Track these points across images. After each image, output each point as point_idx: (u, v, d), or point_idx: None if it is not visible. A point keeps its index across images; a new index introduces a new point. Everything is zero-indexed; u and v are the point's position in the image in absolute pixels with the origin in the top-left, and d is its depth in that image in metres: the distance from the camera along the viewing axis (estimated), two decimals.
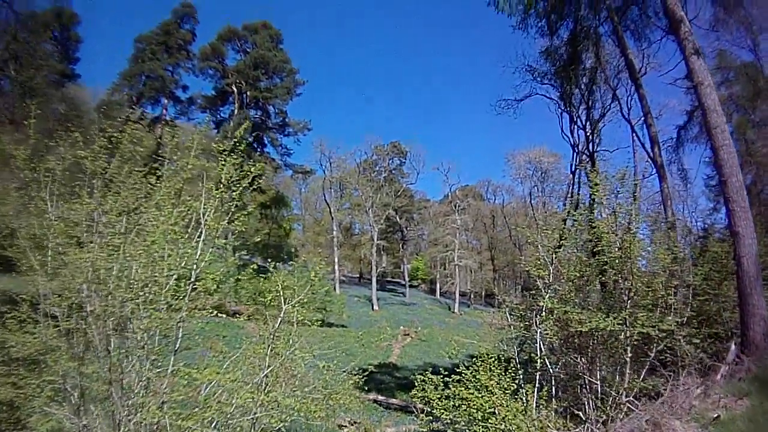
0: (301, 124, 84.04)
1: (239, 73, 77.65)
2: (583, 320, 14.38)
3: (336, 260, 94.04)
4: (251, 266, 15.69)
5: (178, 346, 11.09)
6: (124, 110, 59.31)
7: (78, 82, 68.70)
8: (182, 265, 11.22)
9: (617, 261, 15.49)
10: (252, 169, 12.89)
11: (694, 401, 13.83)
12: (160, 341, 11.07)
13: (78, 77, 70.45)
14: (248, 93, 78.70)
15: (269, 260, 14.94)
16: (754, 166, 36.67)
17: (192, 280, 11.25)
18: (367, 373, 15.76)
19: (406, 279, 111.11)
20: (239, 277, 51.41)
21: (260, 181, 12.49)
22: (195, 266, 11.37)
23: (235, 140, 13.15)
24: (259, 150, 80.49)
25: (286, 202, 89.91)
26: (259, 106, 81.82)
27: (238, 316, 17.89)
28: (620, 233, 16.10)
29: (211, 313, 12.05)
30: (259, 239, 70.69)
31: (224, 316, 11.79)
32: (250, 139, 77.57)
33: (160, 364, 10.95)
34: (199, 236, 11.69)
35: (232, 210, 12.55)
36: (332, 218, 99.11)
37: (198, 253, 11.46)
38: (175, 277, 11.08)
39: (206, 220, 11.73)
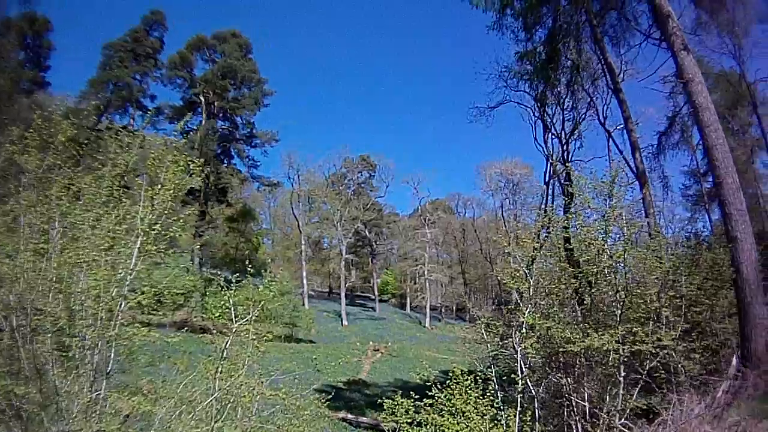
0: (269, 135, 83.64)
1: (207, 83, 76.88)
2: (575, 339, 13.47)
3: (304, 275, 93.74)
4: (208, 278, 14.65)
5: (111, 366, 10.12)
6: (91, 119, 58.49)
7: (48, 90, 67.81)
8: (119, 275, 10.22)
9: (607, 271, 14.56)
10: (191, 166, 11.88)
11: (706, 426, 12.80)
12: (114, 359, 10.26)
13: (48, 85, 70.03)
14: (216, 103, 77.91)
15: (237, 274, 13.88)
16: None
17: (124, 292, 10.23)
18: (332, 392, 14.86)
19: (376, 293, 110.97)
20: (205, 291, 50.91)
21: (198, 177, 11.48)
22: (128, 277, 10.35)
23: (175, 131, 12.28)
24: (226, 162, 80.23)
25: (254, 215, 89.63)
26: (227, 116, 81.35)
27: (209, 331, 16.95)
28: (611, 241, 15.17)
29: (147, 329, 10.95)
30: (224, 253, 69.93)
31: (156, 334, 10.67)
32: (217, 151, 77.58)
33: (106, 384, 9.97)
34: (135, 244, 10.63)
35: (165, 213, 11.20)
36: (301, 232, 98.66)
37: (133, 262, 10.44)
38: (114, 288, 10.04)
39: (142, 226, 10.70)
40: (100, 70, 71.56)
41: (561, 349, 14.08)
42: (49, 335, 9.82)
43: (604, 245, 14.75)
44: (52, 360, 9.77)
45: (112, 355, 10.08)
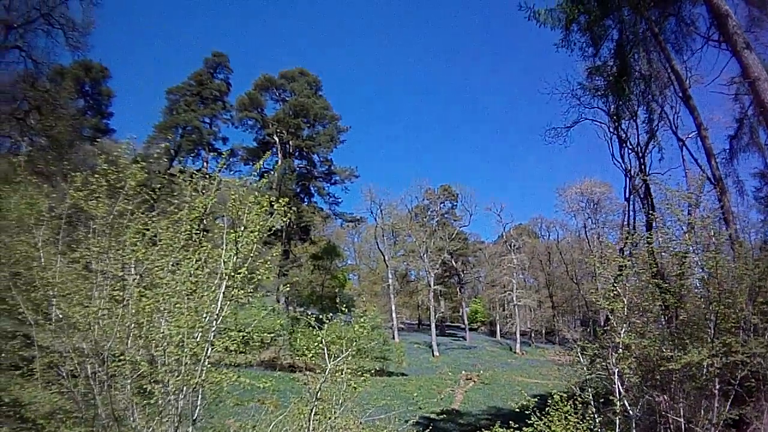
0: (348, 171, 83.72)
1: (280, 123, 77.57)
2: (676, 356, 13.28)
3: (393, 308, 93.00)
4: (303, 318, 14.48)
5: (197, 413, 9.84)
6: (162, 163, 59.18)
7: (113, 137, 68.96)
8: (204, 321, 9.99)
9: (698, 283, 14.89)
10: (276, 205, 11.44)
11: None
12: (200, 404, 10.00)
13: (113, 132, 71.59)
14: (291, 142, 78.61)
15: (324, 312, 13.83)
16: None
17: (210, 338, 9.97)
18: (429, 425, 14.68)
19: (466, 322, 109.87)
20: (293, 330, 51.05)
21: (284, 218, 11.06)
22: (214, 322, 10.11)
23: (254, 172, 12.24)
24: (306, 200, 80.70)
25: (339, 252, 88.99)
26: (303, 155, 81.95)
27: (298, 370, 16.97)
28: (701, 253, 15.08)
29: (236, 373, 10.58)
30: (310, 291, 69.67)
31: (246, 379, 10.56)
32: (296, 190, 78.12)
33: (193, 430, 9.81)
34: (219, 288, 10.33)
35: (251, 256, 10.88)
36: (387, 266, 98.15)
37: (218, 307, 10.15)
38: (199, 334, 9.82)
39: (227, 270, 10.33)
40: (166, 115, 72.92)
41: (662, 367, 13.78)
42: (129, 381, 9.72)
43: (694, 257, 14.50)
44: (132, 406, 9.73)
45: (199, 400, 9.87)
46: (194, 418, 9.73)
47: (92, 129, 68.04)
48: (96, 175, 11.02)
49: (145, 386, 9.68)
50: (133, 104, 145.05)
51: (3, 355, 12.27)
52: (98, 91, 73.67)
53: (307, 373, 13.33)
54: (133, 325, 10.19)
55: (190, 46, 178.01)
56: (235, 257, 10.42)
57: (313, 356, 11.70)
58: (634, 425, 13.89)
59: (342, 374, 11.37)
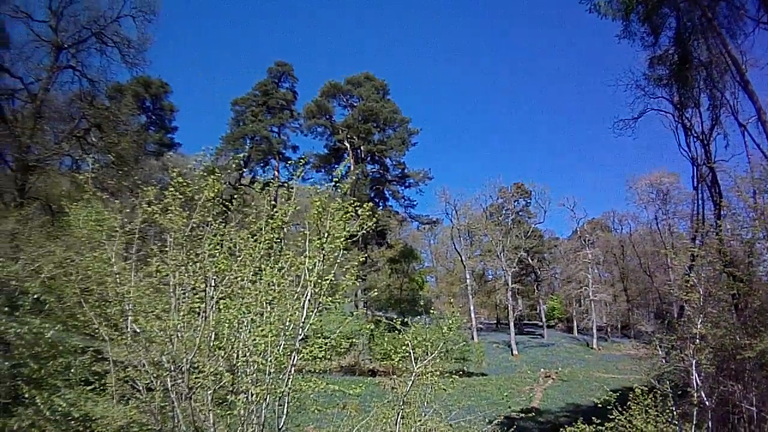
0: (421, 173, 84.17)
1: (349, 128, 78.13)
2: (751, 344, 13.29)
3: (471, 308, 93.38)
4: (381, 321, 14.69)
5: (283, 422, 9.96)
6: (233, 174, 59.70)
7: (178, 151, 71.72)
8: (289, 329, 10.20)
9: None
10: (360, 210, 11.34)
11: None
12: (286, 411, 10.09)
13: (178, 146, 74.15)
14: (362, 147, 79.14)
15: (403, 315, 14.03)
16: None
17: (296, 346, 10.17)
18: (514, 425, 14.90)
19: (543, 320, 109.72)
20: (373, 334, 51.23)
21: (369, 225, 10.99)
22: (300, 330, 10.28)
23: (336, 181, 12.38)
24: (381, 204, 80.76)
25: (416, 255, 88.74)
26: (376, 159, 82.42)
27: (387, 374, 17.03)
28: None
29: (324, 381, 10.70)
30: (388, 295, 69.80)
31: (335, 386, 10.52)
32: (371, 194, 78.00)
33: None
34: (304, 295, 10.45)
35: (338, 262, 11.00)
36: (464, 267, 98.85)
37: (304, 314, 10.29)
38: (283, 342, 10.03)
39: (312, 278, 10.44)
40: (233, 126, 74.89)
41: (738, 356, 13.79)
42: (210, 392, 9.76)
43: (765, 243, 14.60)
44: (212, 417, 9.81)
45: (285, 408, 9.92)
46: (280, 427, 9.83)
47: (156, 144, 70.12)
48: (170, 188, 10.97)
49: (226, 396, 9.80)
50: (196, 117, 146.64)
51: (72, 371, 12.58)
52: (160, 107, 75.82)
53: (393, 377, 13.43)
54: (213, 336, 10.25)
55: (248, 57, 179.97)
56: (320, 264, 10.53)
57: (400, 359, 11.88)
58: (710, 416, 13.95)
59: (428, 377, 11.51)
